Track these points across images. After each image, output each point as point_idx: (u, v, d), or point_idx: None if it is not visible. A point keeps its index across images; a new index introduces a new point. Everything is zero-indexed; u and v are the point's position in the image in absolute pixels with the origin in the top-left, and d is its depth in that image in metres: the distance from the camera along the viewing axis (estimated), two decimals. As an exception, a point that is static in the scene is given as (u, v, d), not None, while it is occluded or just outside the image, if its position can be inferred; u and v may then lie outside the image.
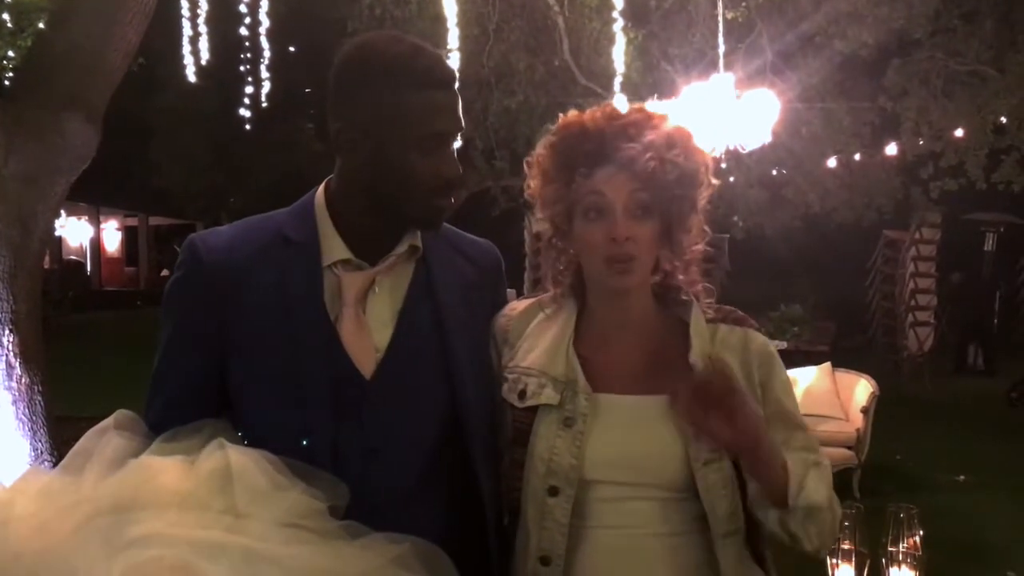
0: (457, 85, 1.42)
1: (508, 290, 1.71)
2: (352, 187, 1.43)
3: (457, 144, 1.44)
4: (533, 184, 1.50)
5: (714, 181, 1.48)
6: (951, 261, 12.70)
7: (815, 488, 1.35)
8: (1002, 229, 13.16)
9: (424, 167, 1.37)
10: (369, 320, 1.41)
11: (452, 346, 1.45)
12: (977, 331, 12.51)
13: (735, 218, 11.68)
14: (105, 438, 1.29)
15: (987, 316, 12.63)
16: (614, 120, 1.44)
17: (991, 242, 13.19)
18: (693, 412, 1.28)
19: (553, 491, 1.40)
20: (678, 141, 1.43)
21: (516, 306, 1.58)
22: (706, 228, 1.51)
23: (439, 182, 1.39)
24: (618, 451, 1.41)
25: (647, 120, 1.44)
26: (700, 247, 1.50)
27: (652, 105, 1.52)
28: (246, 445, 1.30)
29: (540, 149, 1.49)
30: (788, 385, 1.49)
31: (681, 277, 1.48)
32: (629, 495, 1.41)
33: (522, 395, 1.46)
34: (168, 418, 1.35)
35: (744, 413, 1.27)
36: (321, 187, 1.48)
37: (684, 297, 1.50)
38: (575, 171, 1.43)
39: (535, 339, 1.50)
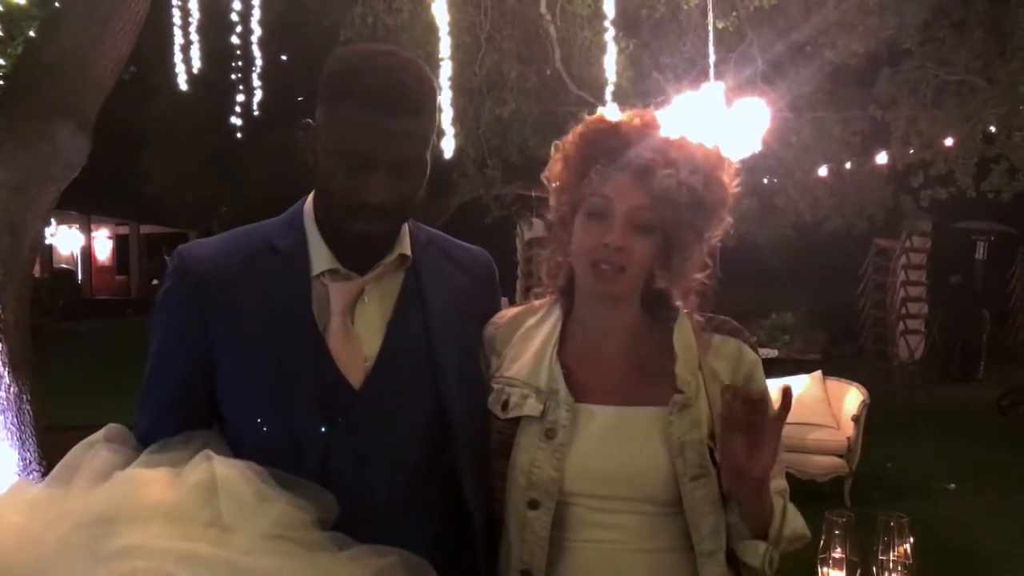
0: (416, 117, 1.31)
1: (501, 298, 1.70)
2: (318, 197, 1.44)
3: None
4: (553, 169, 1.47)
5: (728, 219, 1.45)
6: (942, 269, 12.76)
7: (793, 516, 1.39)
8: (992, 238, 13.23)
9: (344, 185, 1.32)
10: (358, 330, 1.40)
11: (442, 355, 1.43)
12: (968, 339, 12.55)
13: (726, 226, 11.68)
14: (93, 451, 1.28)
15: (978, 324, 12.68)
16: (647, 128, 1.41)
17: (982, 250, 13.25)
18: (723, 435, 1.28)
19: (533, 504, 1.38)
20: (703, 168, 1.39)
21: (505, 313, 1.56)
22: (708, 261, 1.47)
23: (355, 203, 1.31)
24: (601, 464, 1.38)
25: (679, 140, 1.41)
26: (700, 277, 1.47)
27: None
28: (236, 456, 1.28)
29: (569, 136, 1.46)
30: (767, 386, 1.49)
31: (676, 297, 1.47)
32: (613, 508, 1.38)
33: (505, 406, 1.43)
34: (157, 430, 1.34)
35: (770, 441, 1.26)
36: (310, 196, 1.47)
37: (673, 306, 1.47)
38: (592, 166, 1.40)
39: (521, 347, 1.48)
